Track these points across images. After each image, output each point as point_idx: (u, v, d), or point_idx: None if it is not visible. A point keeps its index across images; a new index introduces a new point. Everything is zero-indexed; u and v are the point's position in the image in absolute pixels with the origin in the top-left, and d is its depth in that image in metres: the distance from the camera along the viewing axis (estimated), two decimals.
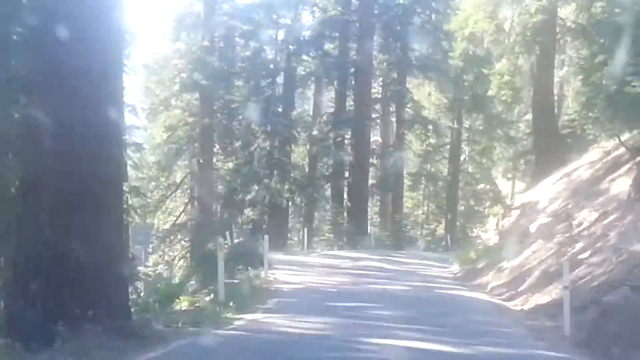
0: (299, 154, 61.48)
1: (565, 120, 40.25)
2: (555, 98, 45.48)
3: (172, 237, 56.58)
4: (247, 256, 28.20)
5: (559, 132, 42.47)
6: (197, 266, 30.79)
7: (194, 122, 50.59)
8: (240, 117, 53.57)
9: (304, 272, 28.60)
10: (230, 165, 52.60)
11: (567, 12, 40.51)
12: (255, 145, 53.91)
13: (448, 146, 62.23)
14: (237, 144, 54.17)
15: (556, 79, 43.60)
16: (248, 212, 54.56)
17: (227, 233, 33.67)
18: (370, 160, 58.28)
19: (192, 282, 26.61)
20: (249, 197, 53.88)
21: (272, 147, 54.28)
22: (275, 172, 53.74)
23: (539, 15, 40.31)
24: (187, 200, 56.93)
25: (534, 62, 41.97)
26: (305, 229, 43.23)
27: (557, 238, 25.54)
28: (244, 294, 20.38)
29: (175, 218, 57.27)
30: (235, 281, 23.77)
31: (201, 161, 49.74)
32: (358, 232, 50.37)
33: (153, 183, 59.24)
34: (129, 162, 57.00)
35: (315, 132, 56.30)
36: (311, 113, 60.23)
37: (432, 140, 62.95)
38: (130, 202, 55.68)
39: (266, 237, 26.49)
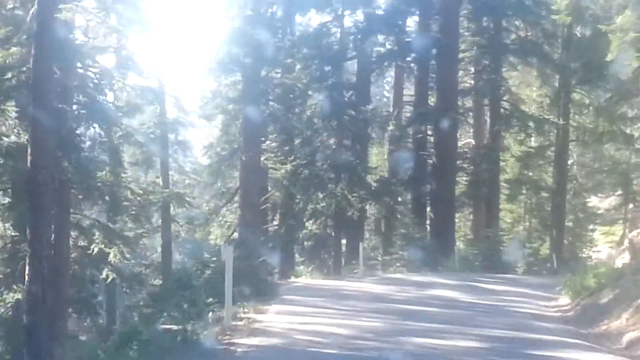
0: (373, 154, 50.38)
1: None
2: None
3: None
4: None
5: None
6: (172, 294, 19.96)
7: (233, 110, 39.67)
8: (299, 108, 42.59)
9: (325, 307, 17.59)
10: (288, 167, 41.39)
11: None
12: (319, 143, 42.78)
13: (553, 148, 49.88)
14: (297, 141, 43.03)
15: None
16: (310, 225, 43.42)
17: (225, 244, 22.71)
18: (460, 163, 46.59)
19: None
20: (310, 206, 42.82)
21: (339, 146, 43.09)
22: (342, 175, 42.48)
23: None
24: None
25: None
26: (361, 245, 31.81)
27: None
28: None
29: (232, 232, 46.66)
30: (175, 328, 12.97)
31: (244, 158, 38.61)
32: (441, 250, 38.93)
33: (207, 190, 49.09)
34: (173, 164, 46.97)
35: (391, 127, 44.90)
36: (385, 105, 48.95)
37: (533, 143, 51.20)
38: (173, 211, 45.95)
39: (229, 248, 14.98)
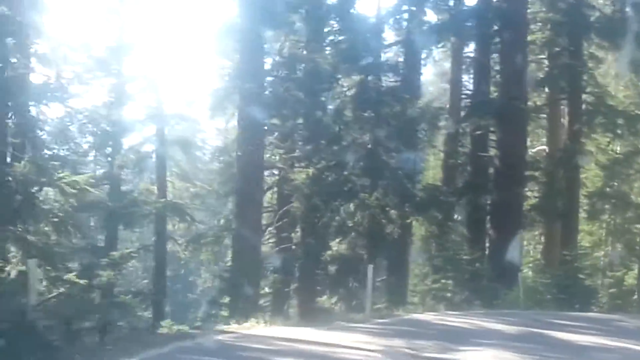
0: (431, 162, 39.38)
1: None
2: None
3: None
4: None
5: None
6: None
7: (226, 90, 28.90)
8: (324, 95, 31.81)
9: None
10: (310, 171, 30.51)
11: None
12: (349, 141, 31.91)
13: None
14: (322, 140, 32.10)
15: None
16: (336, 244, 32.54)
17: None
18: (530, 173, 35.36)
19: None
20: (337, 219, 31.95)
21: (376, 144, 32.15)
22: (379, 182, 31.54)
23: None
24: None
25: None
26: (369, 269, 20.29)
27: None
28: None
29: None
30: None
31: (239, 153, 27.70)
32: (502, 278, 27.91)
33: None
34: (173, 168, 36.28)
35: (442, 123, 33.81)
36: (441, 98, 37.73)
37: (619, 149, 39.64)
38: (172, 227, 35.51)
39: None
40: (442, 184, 35.62)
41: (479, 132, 33.52)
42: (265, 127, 28.91)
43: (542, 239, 38.96)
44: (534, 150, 39.57)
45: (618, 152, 39.94)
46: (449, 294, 26.88)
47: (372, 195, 31.46)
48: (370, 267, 19.96)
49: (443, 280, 27.48)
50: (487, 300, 25.66)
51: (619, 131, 36.21)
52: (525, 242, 37.69)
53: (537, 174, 36.28)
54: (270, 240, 35.34)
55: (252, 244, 26.82)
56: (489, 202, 33.60)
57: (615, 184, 40.03)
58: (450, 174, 35.95)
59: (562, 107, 37.97)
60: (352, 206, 32.26)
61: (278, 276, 33.48)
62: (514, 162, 32.74)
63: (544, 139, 40.19)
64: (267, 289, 34.69)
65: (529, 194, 36.72)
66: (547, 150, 38.56)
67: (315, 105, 31.52)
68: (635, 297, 36.86)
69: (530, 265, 36.72)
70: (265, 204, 35.79)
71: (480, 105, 33.43)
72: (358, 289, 31.98)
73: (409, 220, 33.01)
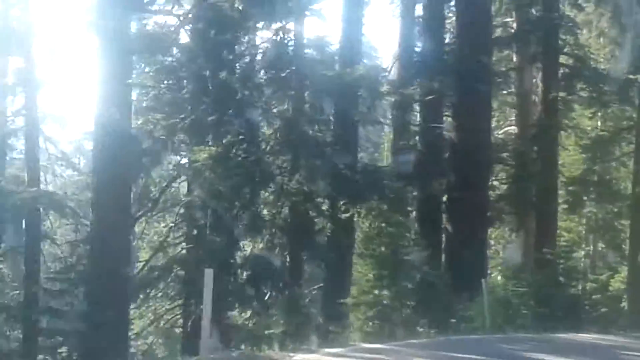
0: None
1: None
2: None
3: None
4: None
5: None
6: None
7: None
8: (230, 51, 23.32)
9: None
10: (213, 149, 21.94)
11: None
12: (262, 109, 23.49)
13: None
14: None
15: None
16: (247, 244, 24.09)
17: None
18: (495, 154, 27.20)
19: None
20: (252, 210, 23.46)
21: (299, 114, 23.73)
22: (302, 161, 23.15)
23: None
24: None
25: None
26: (208, 274, 10.95)
27: None
28: None
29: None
30: None
31: (96, 121, 18.97)
32: (462, 287, 19.57)
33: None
34: (52, 152, 26.19)
35: (385, 89, 25.33)
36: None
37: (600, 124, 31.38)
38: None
39: None
40: (391, 166, 27.33)
41: (430, 98, 24.88)
42: (131, 81, 20.11)
43: (513, 236, 30.78)
44: (501, 132, 31.59)
45: (600, 128, 31.92)
46: (385, 311, 18.33)
47: (292, 178, 23.11)
48: (209, 272, 10.84)
49: (376, 292, 18.80)
50: (438, 319, 17.36)
51: (606, 99, 28.00)
52: (491, 241, 29.53)
53: (505, 155, 28.16)
54: (177, 241, 27.24)
55: (114, 247, 18.16)
56: (444, 188, 25.29)
57: (597, 168, 31.96)
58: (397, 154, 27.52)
59: (534, 79, 29.78)
60: (269, 194, 23.96)
61: (180, 286, 25.26)
62: (476, 138, 24.44)
63: (513, 119, 32.01)
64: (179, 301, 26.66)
65: (495, 183, 28.80)
66: (516, 131, 30.39)
67: (218, 63, 23.08)
68: (623, 304, 28.90)
69: (499, 268, 28.32)
70: (182, 197, 27.66)
71: (430, 59, 25.00)
72: (277, 301, 23.73)
73: (348, 214, 24.36)
